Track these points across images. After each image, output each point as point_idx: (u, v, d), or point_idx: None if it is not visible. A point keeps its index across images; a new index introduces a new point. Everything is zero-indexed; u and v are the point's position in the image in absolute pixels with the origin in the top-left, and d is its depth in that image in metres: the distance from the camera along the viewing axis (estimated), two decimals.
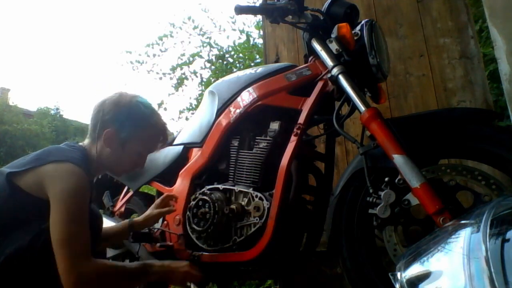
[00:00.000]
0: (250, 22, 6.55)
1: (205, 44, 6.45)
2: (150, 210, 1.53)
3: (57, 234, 1.08)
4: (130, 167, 1.39)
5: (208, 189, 1.49)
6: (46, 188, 1.12)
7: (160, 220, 1.61)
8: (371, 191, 1.16)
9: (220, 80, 1.74)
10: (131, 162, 1.36)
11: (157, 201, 1.56)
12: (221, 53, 6.29)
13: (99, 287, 1.12)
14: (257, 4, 1.45)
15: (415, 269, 0.71)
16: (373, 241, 1.27)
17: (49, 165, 1.15)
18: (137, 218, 1.55)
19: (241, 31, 6.43)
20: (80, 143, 1.35)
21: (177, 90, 6.48)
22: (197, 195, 1.51)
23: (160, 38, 6.71)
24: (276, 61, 2.57)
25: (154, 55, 6.75)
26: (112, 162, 1.32)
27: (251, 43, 6.13)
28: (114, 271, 1.17)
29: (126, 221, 1.54)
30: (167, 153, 1.77)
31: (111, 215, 1.90)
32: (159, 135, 1.38)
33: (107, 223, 1.61)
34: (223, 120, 1.53)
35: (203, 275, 1.33)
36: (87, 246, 1.11)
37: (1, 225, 1.12)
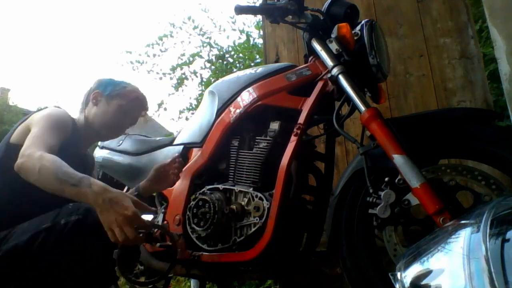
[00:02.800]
0: (250, 22, 6.57)
1: (205, 44, 6.45)
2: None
3: (29, 137, 1.21)
4: (113, 123, 1.51)
5: (208, 189, 1.49)
6: (30, 127, 1.28)
7: (160, 219, 1.61)
8: (371, 191, 1.16)
9: (220, 80, 1.74)
10: (114, 117, 1.50)
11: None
12: (221, 53, 6.29)
13: (36, 169, 1.08)
14: (257, 4, 1.45)
15: (415, 269, 0.71)
16: (373, 241, 1.27)
17: (35, 113, 1.35)
18: (141, 183, 1.61)
19: (241, 31, 6.43)
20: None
21: (177, 90, 6.48)
22: (197, 195, 1.51)
23: (160, 38, 6.71)
24: (276, 61, 2.57)
25: (154, 55, 6.75)
26: (97, 118, 1.49)
27: (251, 43, 6.13)
28: (57, 163, 1.11)
29: (133, 189, 1.62)
30: (167, 153, 1.77)
31: None
32: (138, 95, 1.58)
33: None
34: (223, 120, 1.53)
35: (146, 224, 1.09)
36: (48, 146, 1.19)
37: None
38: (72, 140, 1.37)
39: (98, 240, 1.14)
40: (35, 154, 1.13)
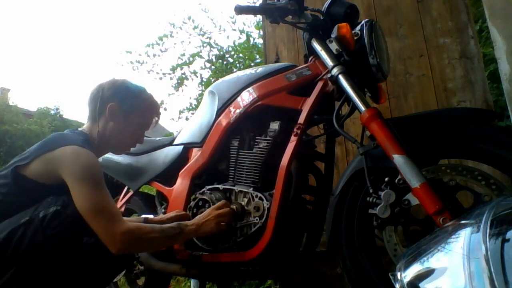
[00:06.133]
0: (250, 22, 6.56)
1: (205, 44, 6.45)
2: (167, 213, 1.53)
3: (85, 205, 1.14)
4: (131, 140, 1.44)
5: (208, 189, 1.49)
6: (57, 172, 1.18)
7: None
8: (371, 191, 1.16)
9: (220, 80, 1.74)
10: (132, 135, 1.43)
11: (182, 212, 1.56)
12: (221, 53, 6.29)
13: (140, 245, 1.23)
14: (257, 4, 1.45)
15: (415, 269, 0.71)
16: (373, 241, 1.27)
17: (56, 151, 1.20)
18: (152, 217, 1.54)
19: (241, 31, 6.43)
20: (80, 129, 1.41)
21: (177, 90, 6.49)
22: (197, 195, 1.51)
23: (160, 38, 6.71)
24: (276, 61, 2.57)
25: (154, 55, 6.76)
26: (115, 135, 1.39)
27: (251, 43, 6.13)
28: (151, 230, 1.23)
29: (142, 217, 1.55)
30: (167, 153, 1.77)
31: None
32: (154, 106, 1.49)
33: None
34: (223, 120, 1.53)
35: (230, 208, 1.37)
36: (117, 210, 1.20)
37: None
38: None
39: (79, 229, 1.16)
40: (124, 233, 1.14)
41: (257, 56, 5.60)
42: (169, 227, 1.27)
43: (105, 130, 1.38)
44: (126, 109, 1.38)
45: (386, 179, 1.16)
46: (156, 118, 1.51)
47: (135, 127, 1.42)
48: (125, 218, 1.45)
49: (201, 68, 6.42)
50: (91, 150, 1.27)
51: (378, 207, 1.13)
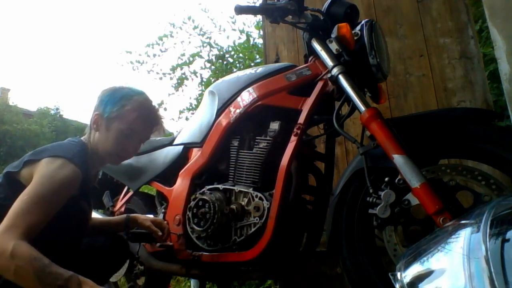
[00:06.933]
0: (250, 22, 6.57)
1: (205, 44, 6.46)
2: (148, 218, 1.54)
3: (14, 205, 1.06)
4: (117, 150, 1.33)
5: (208, 189, 1.49)
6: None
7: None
8: (371, 191, 1.16)
9: (220, 80, 1.74)
10: (118, 144, 1.32)
11: (159, 218, 1.58)
12: (221, 53, 6.29)
13: (11, 270, 0.97)
14: (257, 4, 1.45)
15: (415, 269, 0.71)
16: (373, 241, 1.27)
17: (43, 160, 1.17)
18: (135, 215, 1.56)
19: (241, 31, 6.43)
20: (82, 137, 1.39)
21: (177, 90, 6.49)
22: (197, 195, 1.51)
23: (160, 38, 6.71)
24: (276, 61, 2.57)
25: (154, 55, 6.76)
26: (100, 145, 1.32)
27: (251, 43, 6.13)
28: (36, 262, 0.98)
29: (124, 215, 1.56)
30: (167, 153, 1.77)
31: (111, 215, 1.90)
32: (140, 114, 1.34)
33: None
34: (223, 120, 1.53)
35: None
36: (30, 229, 1.03)
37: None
38: (83, 180, 1.23)
39: (81, 228, 1.18)
40: (6, 249, 0.96)
41: (257, 56, 5.61)
42: (61, 272, 0.99)
43: (93, 141, 1.33)
44: (107, 118, 1.31)
45: (386, 179, 1.16)
46: (153, 129, 1.40)
47: (116, 135, 1.31)
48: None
49: (201, 68, 6.43)
50: (85, 161, 1.24)
51: (378, 207, 1.13)
